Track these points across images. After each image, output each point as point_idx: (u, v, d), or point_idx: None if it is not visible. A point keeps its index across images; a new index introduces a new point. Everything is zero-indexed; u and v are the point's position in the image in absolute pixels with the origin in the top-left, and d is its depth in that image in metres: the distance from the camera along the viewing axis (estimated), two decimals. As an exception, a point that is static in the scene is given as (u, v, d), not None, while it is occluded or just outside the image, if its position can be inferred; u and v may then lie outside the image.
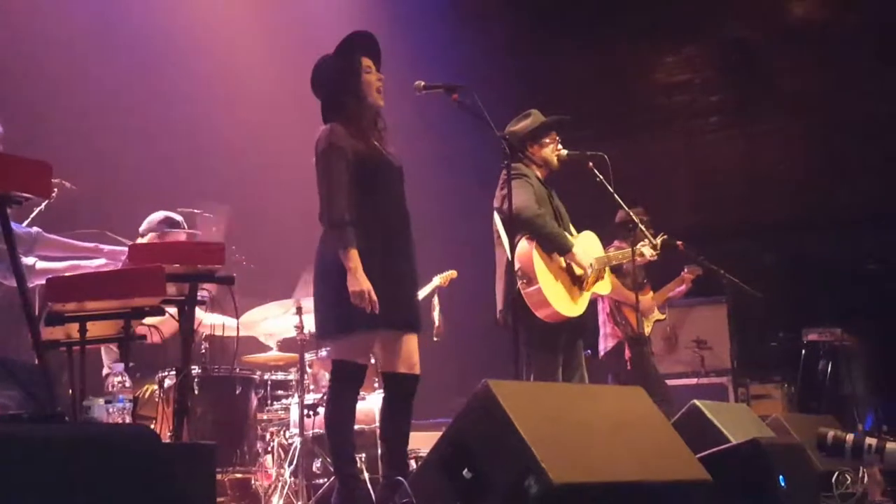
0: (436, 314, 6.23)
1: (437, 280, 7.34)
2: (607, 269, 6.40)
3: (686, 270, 8.40)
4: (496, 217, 6.10)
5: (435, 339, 6.29)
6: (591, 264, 6.11)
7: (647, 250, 6.74)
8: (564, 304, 5.98)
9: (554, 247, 5.99)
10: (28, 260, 5.22)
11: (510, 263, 5.62)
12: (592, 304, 7.31)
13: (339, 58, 5.10)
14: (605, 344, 7.90)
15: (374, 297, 4.70)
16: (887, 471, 4.29)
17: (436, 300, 7.05)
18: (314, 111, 5.16)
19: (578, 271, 6.09)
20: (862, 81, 10.35)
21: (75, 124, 7.78)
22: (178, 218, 6.39)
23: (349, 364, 4.88)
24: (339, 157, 4.88)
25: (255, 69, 9.21)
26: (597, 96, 11.03)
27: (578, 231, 6.35)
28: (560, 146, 6.34)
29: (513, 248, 5.58)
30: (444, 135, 8.36)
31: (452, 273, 7.07)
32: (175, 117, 8.68)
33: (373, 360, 5.27)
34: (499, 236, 6.05)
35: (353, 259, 4.73)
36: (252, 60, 9.20)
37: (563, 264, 6.06)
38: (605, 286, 6.38)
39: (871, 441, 4.22)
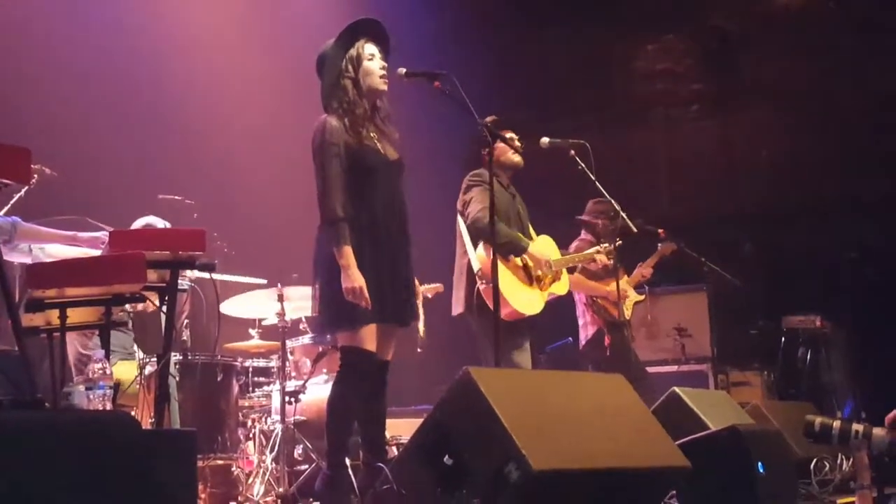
0: (420, 324, 6.24)
1: (423, 290, 7.30)
2: (564, 270, 6.50)
3: (660, 247, 8.41)
4: (459, 219, 6.21)
5: (419, 349, 6.33)
6: (548, 263, 6.21)
7: (600, 257, 6.84)
8: (523, 303, 6.13)
9: (508, 251, 6.12)
10: (35, 250, 5.23)
11: (470, 266, 5.74)
12: (568, 302, 7.43)
13: (338, 44, 5.10)
14: (584, 333, 7.91)
15: (367, 295, 4.74)
16: (874, 456, 4.32)
17: (420, 310, 7.05)
18: (295, 97, 5.17)
19: (536, 272, 6.19)
20: (842, 70, 10.38)
21: (55, 110, 7.74)
22: (161, 223, 6.38)
23: (355, 350, 4.90)
24: (332, 154, 4.90)
25: (238, 55, 9.18)
26: (577, 85, 11.04)
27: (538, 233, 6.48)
28: (518, 144, 6.37)
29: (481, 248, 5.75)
30: (428, 127, 8.36)
31: (439, 287, 7.09)
32: (156, 103, 8.64)
33: None
34: (460, 239, 6.16)
35: (347, 256, 4.76)
36: (234, 47, 9.17)
37: (521, 264, 6.17)
38: (562, 286, 6.49)
39: (857, 427, 4.25)
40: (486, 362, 5.92)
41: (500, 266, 5.98)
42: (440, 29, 9.98)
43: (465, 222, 6.16)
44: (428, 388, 8.06)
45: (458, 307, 6.21)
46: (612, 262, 6.91)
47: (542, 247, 6.41)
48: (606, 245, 6.87)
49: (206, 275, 5.88)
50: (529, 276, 6.23)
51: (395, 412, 7.00)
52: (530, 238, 6.36)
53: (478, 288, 5.95)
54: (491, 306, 5.94)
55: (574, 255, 6.92)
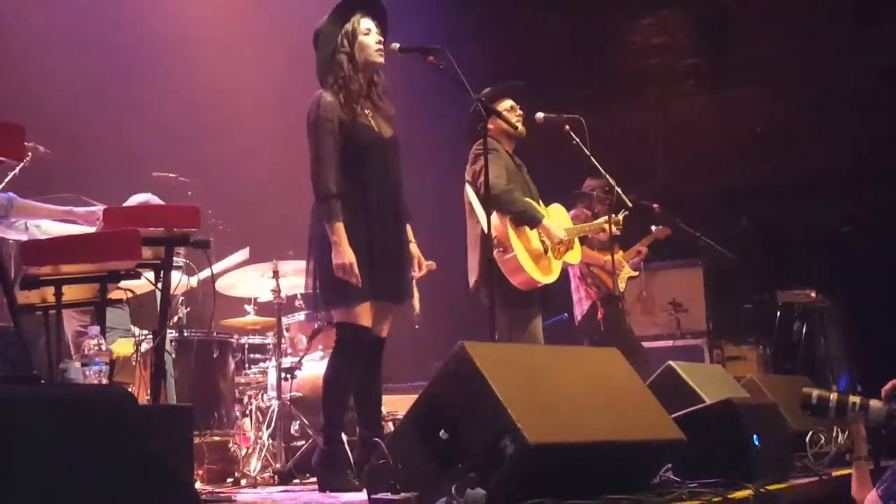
0: (415, 301, 6.26)
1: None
2: (576, 239, 6.50)
3: (655, 229, 8.42)
4: (468, 189, 6.16)
5: (416, 326, 6.33)
6: (560, 240, 6.18)
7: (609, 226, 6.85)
8: (538, 271, 6.12)
9: (524, 221, 6.11)
10: (31, 227, 5.24)
11: (484, 235, 5.66)
12: (564, 277, 7.44)
13: (334, 18, 5.07)
14: (579, 308, 7.94)
15: (357, 271, 4.73)
16: (871, 427, 4.35)
17: (414, 287, 7.03)
18: (291, 73, 5.15)
19: (547, 240, 6.18)
20: (837, 46, 10.36)
21: (49, 88, 7.72)
22: (158, 201, 6.37)
23: (350, 326, 4.91)
24: (326, 130, 4.89)
25: (234, 33, 9.15)
26: (572, 59, 11.02)
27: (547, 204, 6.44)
28: (521, 116, 6.34)
29: (488, 220, 5.68)
30: (414, 100, 8.35)
31: (431, 264, 7.08)
32: (151, 81, 8.63)
33: None
34: (471, 208, 6.12)
35: (338, 233, 4.77)
36: (230, 24, 9.13)
37: (536, 233, 6.15)
38: (575, 256, 6.51)
39: (854, 399, 4.28)
40: (500, 334, 5.93)
41: (517, 233, 6.01)
42: (434, 3, 9.94)
43: (477, 191, 6.07)
44: (424, 364, 8.08)
45: (472, 278, 6.14)
46: (619, 231, 6.90)
47: (555, 216, 6.40)
48: (615, 216, 6.83)
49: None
50: (545, 245, 6.22)
51: (391, 388, 7.01)
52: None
53: (493, 257, 5.90)
54: (508, 276, 5.99)
55: (585, 224, 6.90)
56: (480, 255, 6.04)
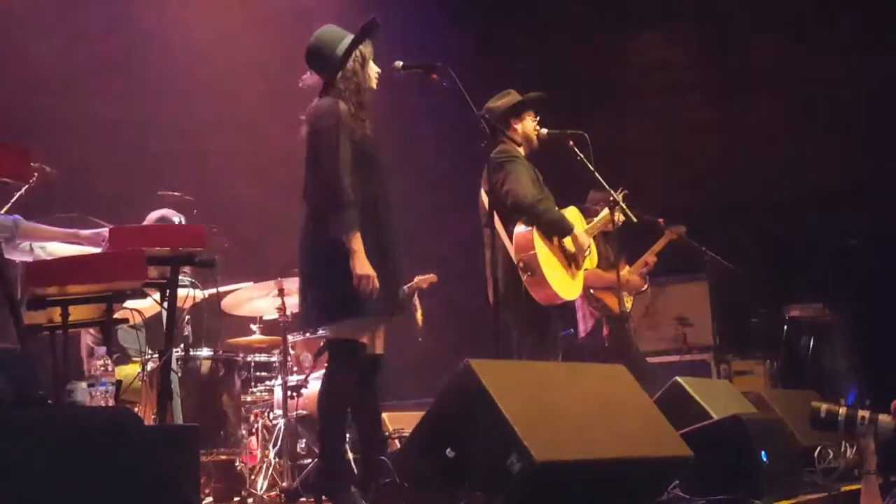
0: (418, 315, 6.20)
1: (417, 279, 7.26)
2: (591, 241, 6.47)
3: (668, 232, 8.35)
4: (484, 199, 6.05)
5: (420, 339, 6.29)
6: (588, 246, 6.16)
7: (617, 215, 6.75)
8: (565, 288, 5.99)
9: (555, 232, 6.01)
10: (36, 249, 5.24)
11: (504, 248, 5.62)
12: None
13: (358, 41, 4.97)
14: (584, 325, 7.87)
15: (377, 283, 4.66)
16: (880, 442, 4.33)
17: (416, 300, 6.96)
18: (293, 90, 5.13)
19: (572, 249, 6.11)
20: (840, 59, 10.36)
21: (54, 109, 7.75)
22: (177, 218, 6.36)
23: (350, 342, 4.79)
24: (346, 135, 4.78)
25: (235, 50, 9.17)
26: (574, 75, 11.01)
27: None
28: (538, 127, 6.34)
29: (509, 234, 5.64)
30: (420, 115, 8.35)
31: (432, 277, 7.02)
32: (155, 100, 8.64)
33: None
34: (487, 218, 6.02)
35: (358, 243, 4.64)
36: (232, 41, 9.16)
37: (561, 247, 6.09)
38: (592, 259, 6.44)
39: (863, 413, 4.25)
40: (519, 353, 5.86)
41: (545, 250, 5.91)
42: (433, 16, 9.96)
43: (503, 201, 5.88)
44: (430, 381, 8.07)
45: (492, 293, 5.81)
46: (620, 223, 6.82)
47: (571, 219, 6.28)
48: (612, 198, 6.70)
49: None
50: (568, 257, 6.10)
51: (397, 405, 7.02)
52: None
53: (524, 282, 5.80)
54: (530, 289, 5.84)
55: (596, 221, 6.78)
56: (502, 273, 5.84)
